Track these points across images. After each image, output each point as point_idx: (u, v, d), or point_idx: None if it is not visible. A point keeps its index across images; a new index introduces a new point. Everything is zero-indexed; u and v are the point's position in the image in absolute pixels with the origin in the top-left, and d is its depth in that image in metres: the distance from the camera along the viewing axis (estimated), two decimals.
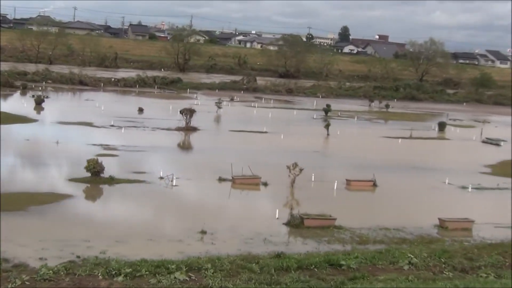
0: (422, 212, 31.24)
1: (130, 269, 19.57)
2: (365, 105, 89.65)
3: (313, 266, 21.11)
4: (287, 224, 27.37)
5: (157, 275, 19.40)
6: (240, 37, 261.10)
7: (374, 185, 36.69)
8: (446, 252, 23.32)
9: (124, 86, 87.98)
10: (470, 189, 37.56)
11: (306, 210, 29.19)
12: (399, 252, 23.04)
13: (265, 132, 55.05)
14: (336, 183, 35.49)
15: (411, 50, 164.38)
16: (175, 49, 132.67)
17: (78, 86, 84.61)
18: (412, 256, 22.45)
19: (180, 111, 53.13)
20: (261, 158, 42.14)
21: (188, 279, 19.47)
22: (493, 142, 58.94)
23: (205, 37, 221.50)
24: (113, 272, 19.32)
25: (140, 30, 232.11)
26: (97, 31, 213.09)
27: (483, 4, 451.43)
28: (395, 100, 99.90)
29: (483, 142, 59.74)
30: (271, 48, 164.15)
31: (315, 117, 69.07)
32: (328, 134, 56.29)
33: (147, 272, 19.50)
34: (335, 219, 27.72)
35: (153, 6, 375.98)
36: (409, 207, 32.50)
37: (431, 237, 27.10)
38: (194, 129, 52.75)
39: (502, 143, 58.66)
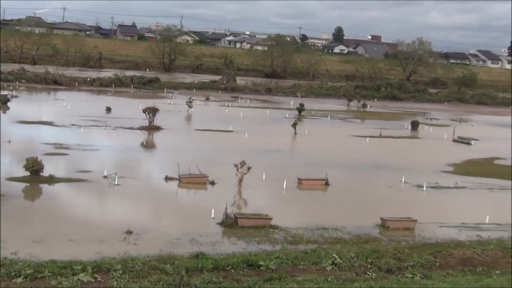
0: (368, 212, 30.45)
1: (32, 270, 18.74)
2: (343, 105, 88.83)
3: (230, 267, 20.36)
4: (221, 223, 26.56)
5: (60, 276, 18.60)
6: (231, 38, 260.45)
7: (327, 184, 35.85)
8: (375, 252, 22.54)
9: (100, 86, 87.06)
10: (425, 188, 36.70)
11: (250, 210, 28.47)
12: (325, 252, 22.24)
13: (231, 131, 54.21)
14: (285, 182, 34.64)
15: (399, 49, 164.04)
16: (161, 49, 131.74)
17: (52, 85, 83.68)
18: (336, 257, 21.66)
19: (143, 110, 52.27)
20: (218, 157, 41.43)
21: (93, 280, 18.74)
22: (464, 141, 58.27)
23: (194, 38, 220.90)
24: (13, 274, 18.50)
25: (129, 30, 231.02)
26: (87, 32, 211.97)
27: (480, 5, 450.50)
28: (375, 99, 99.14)
29: (454, 141, 59.04)
30: (258, 48, 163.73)
31: (287, 116, 68.24)
32: (295, 133, 55.53)
33: (49, 274, 18.70)
34: (270, 218, 26.92)
35: (151, 8, 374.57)
36: (356, 206, 31.71)
37: (369, 237, 26.31)
38: (158, 128, 51.92)
39: (472, 142, 57.93)
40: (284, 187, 34.39)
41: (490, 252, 23.55)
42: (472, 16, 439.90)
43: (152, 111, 51.14)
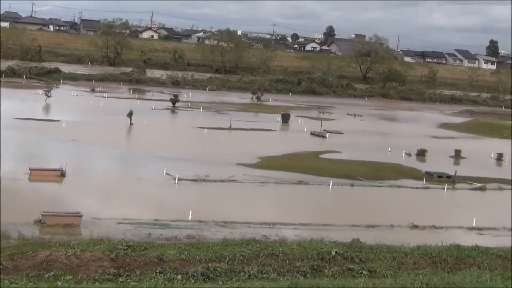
0: (68, 205, 26.54)
1: None
2: (247, 98, 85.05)
3: None
4: None
5: None
6: (200, 34, 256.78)
7: (62, 175, 31.98)
8: None
9: None
10: (177, 181, 32.92)
11: None
12: None
13: (57, 121, 50.36)
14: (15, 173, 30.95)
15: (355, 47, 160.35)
16: (104, 42, 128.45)
17: None
18: None
19: None
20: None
21: None
22: (319, 135, 54.73)
23: (159, 34, 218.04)
24: None
25: (92, 25, 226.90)
26: (62, 28, 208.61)
27: (481, 7, 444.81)
28: (290, 93, 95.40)
29: (311, 134, 55.31)
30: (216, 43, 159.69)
31: (153, 107, 64.45)
32: (131, 124, 51.72)
33: None
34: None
35: (151, 6, 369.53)
36: (55, 200, 27.74)
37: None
38: None
39: (327, 135, 54.43)
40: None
41: (86, 254, 19.65)
42: (474, 18, 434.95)
43: None
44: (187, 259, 20.31)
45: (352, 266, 21.09)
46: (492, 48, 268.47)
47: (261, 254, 21.10)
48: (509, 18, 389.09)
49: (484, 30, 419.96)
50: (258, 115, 68.18)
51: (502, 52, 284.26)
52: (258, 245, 21.76)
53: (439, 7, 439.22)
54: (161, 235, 24.02)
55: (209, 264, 19.92)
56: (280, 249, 21.47)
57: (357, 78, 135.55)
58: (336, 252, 21.69)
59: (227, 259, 20.45)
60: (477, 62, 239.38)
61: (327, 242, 22.66)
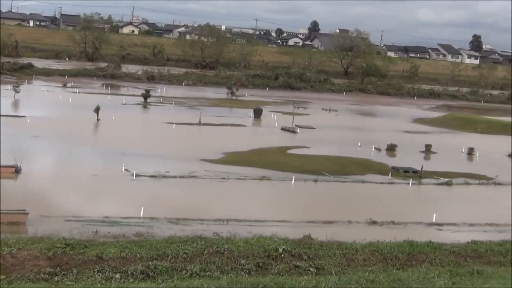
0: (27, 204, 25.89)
1: None
2: (223, 93, 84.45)
3: None
4: None
5: None
6: (182, 29, 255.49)
7: (17, 171, 31.34)
8: None
9: None
10: (134, 177, 32.38)
11: None
12: None
13: (22, 116, 49.62)
14: None
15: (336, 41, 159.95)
16: (82, 37, 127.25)
17: None
18: None
19: None
20: None
21: None
22: (290, 130, 54.32)
23: (140, 28, 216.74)
24: None
25: (71, 20, 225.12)
26: (44, 22, 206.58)
27: (467, 3, 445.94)
28: (267, 88, 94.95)
29: (282, 129, 54.89)
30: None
31: (124, 102, 63.78)
32: (98, 119, 51.01)
33: None
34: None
35: (134, 1, 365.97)
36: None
37: None
38: None
39: (298, 130, 54.00)
40: None
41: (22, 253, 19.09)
42: (461, 13, 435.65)
43: None
44: (127, 257, 19.81)
45: (300, 264, 20.70)
46: (476, 43, 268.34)
47: (206, 252, 20.65)
48: (495, 14, 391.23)
49: (471, 25, 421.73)
50: (231, 110, 67.74)
51: (486, 46, 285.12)
52: (203, 242, 21.30)
53: (427, 2, 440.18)
54: (109, 232, 23.50)
55: (150, 263, 19.45)
56: (226, 247, 21.02)
57: (338, 73, 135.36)
58: (283, 249, 21.27)
59: (169, 257, 19.99)
60: (460, 57, 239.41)
61: (276, 239, 22.23)
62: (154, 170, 34.31)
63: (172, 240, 21.44)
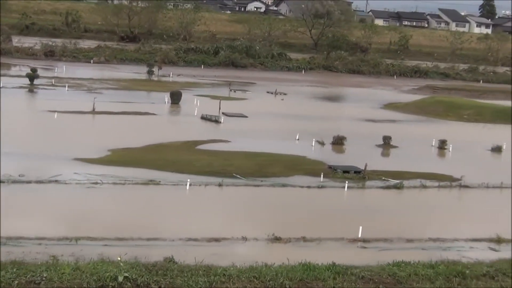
0: None
1: None
2: (142, 73, 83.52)
3: None
4: None
5: None
6: None
7: None
8: None
9: None
10: None
11: None
12: None
13: None
14: None
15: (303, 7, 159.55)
16: None
17: None
18: None
19: None
20: None
21: None
22: (212, 119, 53.74)
23: None
24: None
25: None
26: None
27: None
28: (203, 66, 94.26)
29: (202, 118, 54.27)
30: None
31: (2, 85, 62.47)
32: None
33: None
34: None
35: None
36: None
37: None
38: None
39: (222, 120, 53.41)
40: None
41: None
42: None
43: None
44: None
45: None
46: (487, 8, 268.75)
47: (15, 282, 19.60)
48: None
49: None
50: (148, 95, 66.81)
51: (503, 12, 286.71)
52: (15, 270, 20.24)
53: None
54: None
55: None
56: (45, 275, 20.01)
57: (307, 46, 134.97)
58: (126, 276, 20.33)
59: None
60: (467, 25, 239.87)
61: (121, 263, 21.28)
62: (5, 173, 33.13)
63: None
